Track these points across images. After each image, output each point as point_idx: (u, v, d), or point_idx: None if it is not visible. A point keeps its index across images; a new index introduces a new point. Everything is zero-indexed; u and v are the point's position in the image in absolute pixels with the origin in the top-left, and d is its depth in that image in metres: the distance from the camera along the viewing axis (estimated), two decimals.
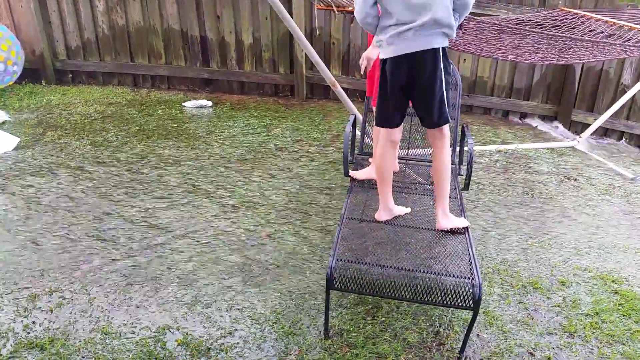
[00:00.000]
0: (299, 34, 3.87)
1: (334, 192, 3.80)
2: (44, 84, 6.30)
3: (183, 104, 5.73)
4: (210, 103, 5.75)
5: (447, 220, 2.63)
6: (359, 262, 2.33)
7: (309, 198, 3.70)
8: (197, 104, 5.71)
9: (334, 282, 2.28)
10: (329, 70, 5.87)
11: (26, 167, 4.07)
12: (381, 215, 2.74)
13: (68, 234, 3.18)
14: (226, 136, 4.84)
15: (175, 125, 5.11)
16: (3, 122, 4.97)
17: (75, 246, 3.05)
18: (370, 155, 3.63)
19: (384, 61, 2.51)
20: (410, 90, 2.50)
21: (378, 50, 2.64)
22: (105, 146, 4.54)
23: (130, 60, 6.33)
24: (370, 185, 3.11)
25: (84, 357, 2.24)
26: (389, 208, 2.74)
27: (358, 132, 3.78)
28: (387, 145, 2.66)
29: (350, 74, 5.94)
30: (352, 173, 3.26)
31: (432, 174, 2.72)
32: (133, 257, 2.95)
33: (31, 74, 6.25)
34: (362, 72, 3.15)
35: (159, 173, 4.03)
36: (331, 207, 3.58)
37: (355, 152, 3.61)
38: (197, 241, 3.13)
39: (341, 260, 2.32)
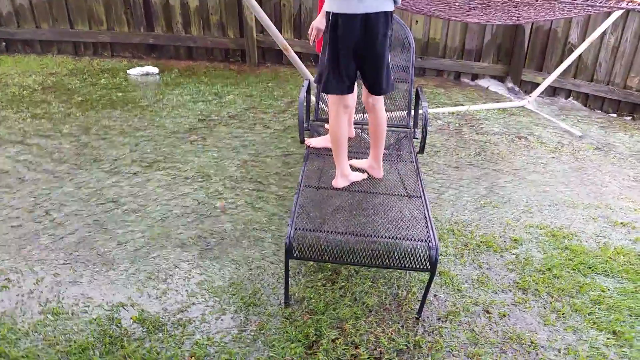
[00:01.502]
0: None
1: (290, 159, 3.74)
2: None
3: (128, 71, 5.47)
4: (156, 70, 5.51)
5: (381, 170, 2.83)
6: (317, 230, 2.31)
7: (264, 167, 3.63)
8: (142, 71, 5.46)
9: (293, 251, 2.25)
10: (280, 34, 5.73)
11: None
12: (338, 182, 2.71)
13: (10, 213, 3.00)
14: (175, 104, 4.66)
15: (121, 94, 4.88)
16: None
17: (19, 225, 2.89)
18: (326, 121, 3.58)
19: (335, 19, 2.38)
20: (361, 54, 2.43)
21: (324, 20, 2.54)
22: (47, 119, 4.29)
23: (69, 27, 5.95)
24: (327, 152, 3.07)
25: (34, 341, 2.15)
26: (345, 174, 2.72)
27: (313, 98, 3.71)
28: (340, 112, 2.61)
29: (303, 37, 5.80)
30: (307, 141, 3.20)
31: (372, 131, 2.73)
32: (81, 234, 2.83)
33: None
34: (311, 43, 3.04)
35: (105, 145, 3.85)
36: (288, 175, 3.52)
37: (311, 118, 3.55)
38: (149, 215, 3.02)
39: (299, 229, 2.29)
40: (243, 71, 5.67)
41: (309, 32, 3.00)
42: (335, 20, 2.38)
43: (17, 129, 4.08)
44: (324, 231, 2.31)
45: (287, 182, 3.41)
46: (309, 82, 3.47)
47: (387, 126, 3.29)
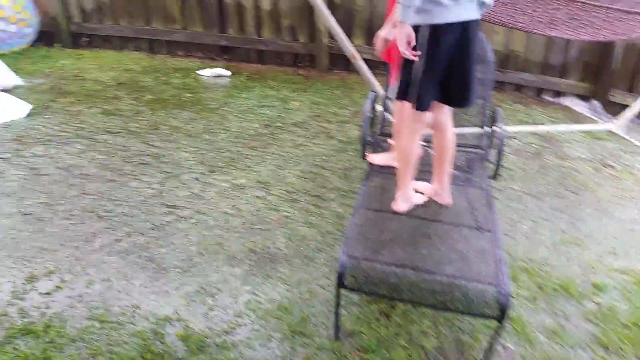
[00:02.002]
0: (317, 1, 3.59)
1: (353, 174, 3.58)
2: (58, 47, 6.12)
3: (199, 72, 5.51)
4: (228, 72, 5.51)
5: (448, 195, 2.61)
6: (372, 260, 2.13)
7: (325, 180, 3.49)
8: (214, 72, 5.48)
9: (345, 280, 2.08)
10: (351, 40, 5.58)
11: (36, 135, 3.93)
12: (399, 204, 2.52)
13: (73, 210, 3.04)
14: (242, 109, 4.62)
15: (190, 95, 4.91)
16: (16, 87, 4.82)
17: (78, 223, 2.91)
18: (391, 135, 3.39)
19: (432, 31, 2.13)
20: (452, 65, 2.23)
21: (395, 30, 2.32)
22: (117, 115, 4.37)
23: (145, 24, 6.10)
24: (389, 171, 2.88)
25: (78, 348, 2.12)
26: (408, 197, 2.52)
27: (378, 107, 3.52)
28: (417, 128, 2.40)
29: (373, 45, 5.61)
30: (369, 157, 3.03)
31: (439, 153, 2.53)
32: (136, 238, 2.80)
33: (46, 36, 6.08)
34: (378, 53, 2.83)
35: (170, 146, 3.85)
36: (349, 191, 3.36)
37: (375, 131, 3.37)
38: (205, 223, 2.96)
39: (353, 256, 2.12)
40: (311, 77, 5.57)
41: (374, 41, 2.82)
42: (433, 32, 2.14)
43: (88, 124, 4.18)
44: (380, 261, 2.13)
45: (347, 199, 3.25)
46: (375, 94, 3.30)
47: (457, 145, 3.06)
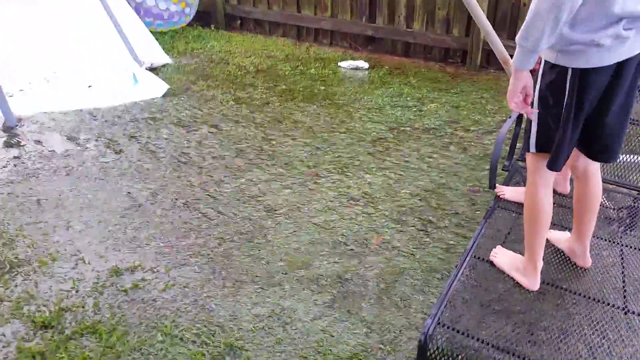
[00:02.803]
0: None
1: (479, 199, 3.04)
2: (212, 28, 6.36)
3: (339, 63, 5.27)
4: (366, 65, 5.19)
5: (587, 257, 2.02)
6: (468, 334, 1.67)
7: (444, 202, 3.00)
8: (353, 64, 5.20)
9: (429, 353, 1.66)
10: (514, 37, 4.85)
11: (166, 117, 4.05)
12: (523, 279, 1.96)
13: (177, 201, 3.02)
14: (372, 106, 4.27)
15: (323, 88, 4.69)
16: (164, 65, 5.07)
17: (176, 217, 2.87)
18: None
19: (580, 76, 1.57)
20: (597, 111, 1.64)
21: (529, 77, 1.66)
22: (247, 104, 4.34)
23: (296, 11, 6.02)
24: (520, 209, 2.32)
25: (135, 359, 2.02)
26: (534, 270, 1.93)
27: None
28: (549, 182, 1.85)
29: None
30: (499, 188, 2.49)
31: (580, 204, 1.90)
32: (225, 241, 2.66)
33: (204, 16, 6.35)
34: (513, 114, 2.18)
35: (288, 143, 3.68)
36: (469, 219, 2.84)
37: (515, 156, 2.78)
38: (297, 236, 2.71)
39: (445, 325, 1.69)
40: (459, 75, 4.99)
41: (510, 97, 1.74)
42: (581, 78, 1.58)
43: (217, 110, 4.20)
44: (480, 339, 1.66)
45: (464, 230, 2.75)
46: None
47: (613, 184, 2.38)
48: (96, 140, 3.69)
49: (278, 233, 2.73)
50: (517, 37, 1.53)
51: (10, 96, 4.01)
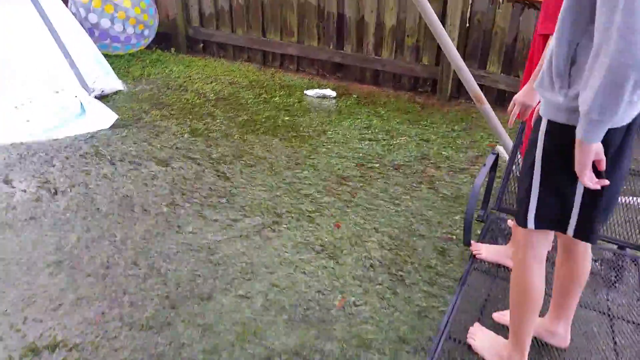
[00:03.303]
0: (433, 20, 2.83)
1: (453, 249, 2.77)
2: (172, 51, 6.02)
3: (305, 91, 5.00)
4: (334, 94, 4.93)
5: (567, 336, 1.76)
6: None
7: (413, 253, 2.73)
8: (319, 93, 4.94)
9: None
10: (485, 67, 4.67)
11: (111, 152, 3.69)
12: None
13: (112, 254, 2.65)
14: (338, 140, 4.00)
15: (288, 118, 4.40)
16: (116, 92, 4.72)
17: (112, 271, 2.51)
18: (513, 212, 2.53)
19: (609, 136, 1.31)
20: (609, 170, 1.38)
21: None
22: (203, 137, 4.01)
23: (261, 35, 5.74)
24: (500, 272, 2.05)
25: None
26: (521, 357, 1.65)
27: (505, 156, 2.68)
28: (542, 256, 1.57)
29: (512, 73, 4.65)
30: (475, 246, 2.22)
31: (563, 283, 1.64)
32: (165, 309, 2.31)
33: (164, 39, 6.01)
34: (510, 123, 1.98)
35: (244, 183, 3.36)
36: (443, 274, 2.56)
37: (490, 205, 2.53)
38: (250, 296, 2.39)
39: None
40: (429, 106, 4.77)
41: (510, 108, 1.95)
42: (609, 138, 1.31)
43: (170, 144, 3.86)
44: None
45: (437, 289, 2.46)
46: (497, 155, 2.47)
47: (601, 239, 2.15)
48: (29, 180, 3.31)
49: (226, 299, 2.39)
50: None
51: None
